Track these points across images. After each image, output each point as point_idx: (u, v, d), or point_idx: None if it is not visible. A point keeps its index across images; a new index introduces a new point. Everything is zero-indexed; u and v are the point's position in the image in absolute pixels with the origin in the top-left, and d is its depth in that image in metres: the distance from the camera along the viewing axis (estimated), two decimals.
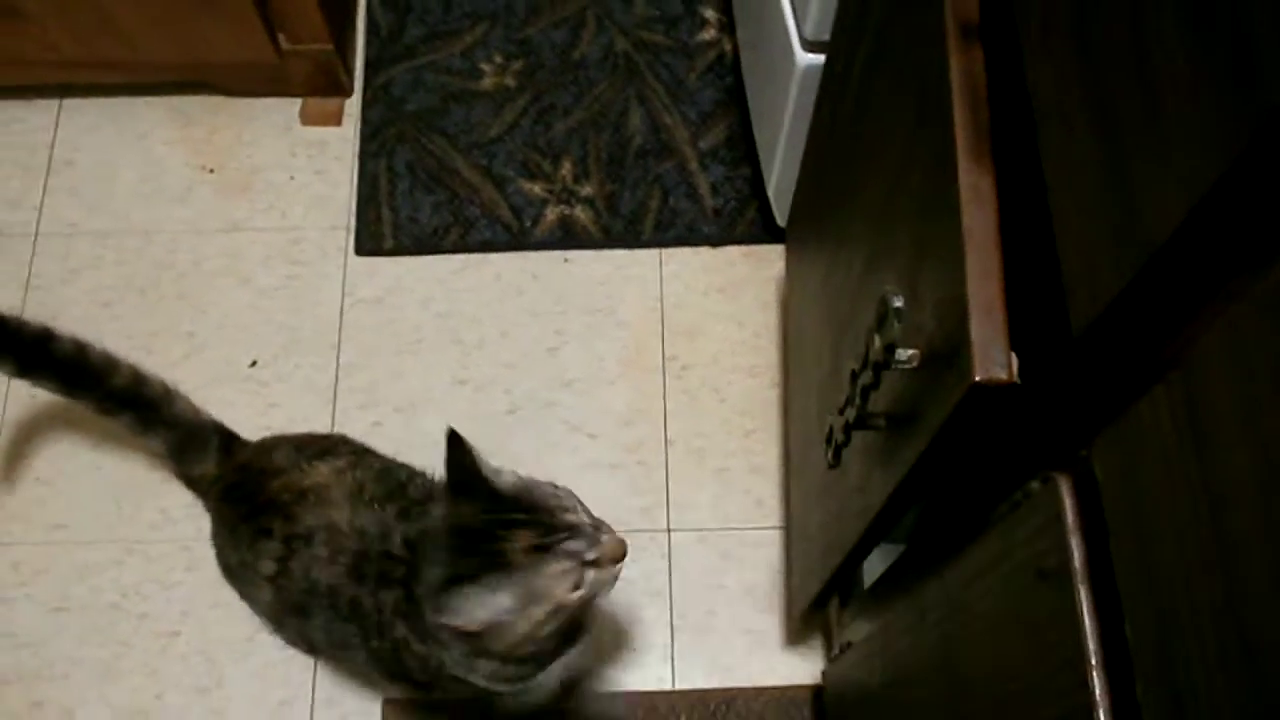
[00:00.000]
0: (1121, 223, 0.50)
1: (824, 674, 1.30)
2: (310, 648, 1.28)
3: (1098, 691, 0.53)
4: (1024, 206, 0.62)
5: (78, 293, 1.65)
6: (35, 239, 1.68)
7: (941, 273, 0.64)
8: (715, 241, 1.67)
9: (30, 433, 1.57)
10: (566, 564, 0.92)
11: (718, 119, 1.75)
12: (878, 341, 0.69)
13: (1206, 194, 0.42)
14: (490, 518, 0.94)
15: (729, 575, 1.49)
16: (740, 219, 1.68)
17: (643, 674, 1.45)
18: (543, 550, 0.91)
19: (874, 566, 1.16)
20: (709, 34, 1.81)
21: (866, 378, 0.72)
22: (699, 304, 1.64)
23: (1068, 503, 0.57)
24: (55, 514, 1.52)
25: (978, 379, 0.59)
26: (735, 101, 1.75)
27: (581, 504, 0.99)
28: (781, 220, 1.57)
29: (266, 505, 1.16)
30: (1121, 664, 0.52)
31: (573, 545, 0.92)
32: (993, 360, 0.59)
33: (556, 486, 0.99)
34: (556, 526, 0.93)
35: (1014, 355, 0.59)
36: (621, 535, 0.97)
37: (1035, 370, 0.60)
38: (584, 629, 1.10)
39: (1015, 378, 0.59)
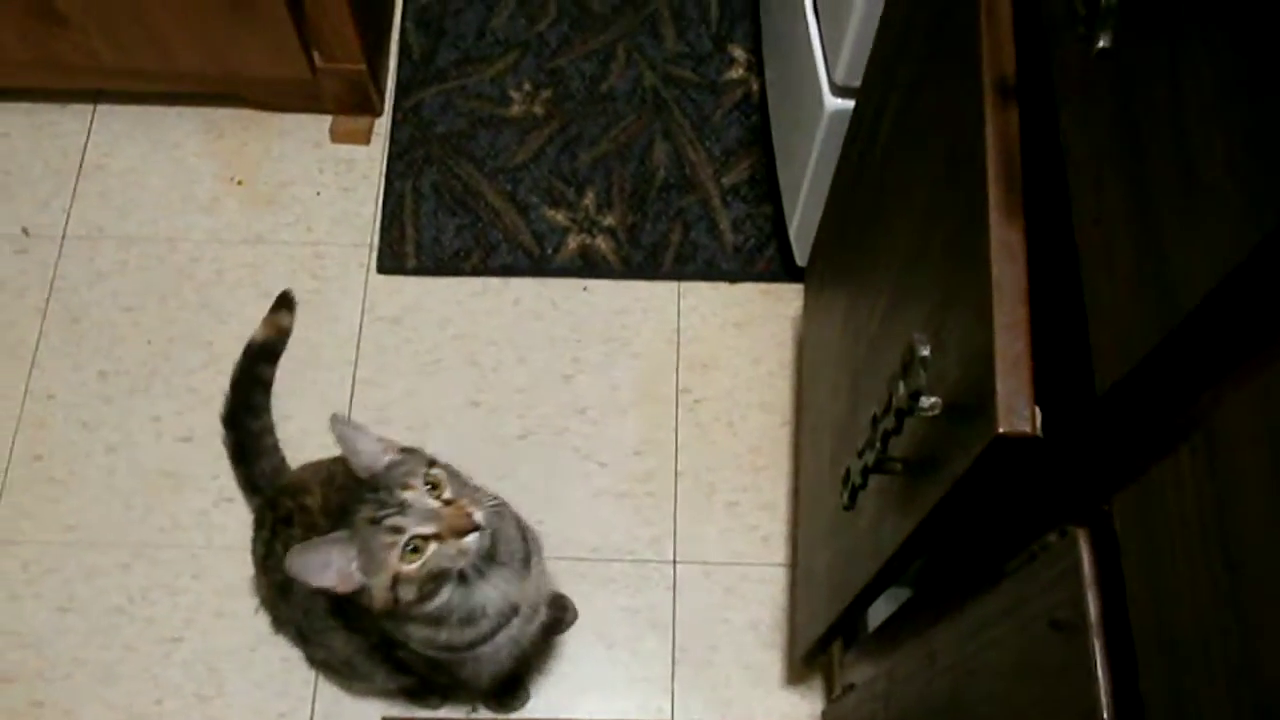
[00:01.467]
0: (1151, 287, 0.51)
1: (824, 715, 1.30)
2: (299, 634, 1.34)
3: None
4: (1052, 260, 0.63)
5: (101, 295, 1.67)
6: (63, 240, 1.70)
7: (969, 324, 0.65)
8: (734, 278, 1.69)
9: (46, 433, 1.58)
10: (392, 536, 0.99)
11: (741, 157, 1.77)
12: (902, 388, 0.70)
13: (1236, 267, 0.43)
14: (344, 495, 1.07)
15: (733, 610, 1.50)
16: (759, 257, 1.70)
17: (642, 704, 1.45)
18: (375, 523, 0.99)
19: (879, 609, 1.17)
20: (737, 72, 1.83)
21: (889, 423, 0.73)
22: (715, 338, 1.65)
23: (1085, 556, 0.58)
24: (67, 515, 1.54)
25: (1001, 431, 0.60)
26: (760, 140, 1.77)
27: (451, 481, 1.04)
28: (801, 260, 1.59)
29: (269, 502, 1.31)
30: (1133, 717, 0.52)
31: (397, 520, 0.99)
32: (1017, 414, 0.60)
33: (432, 465, 1.04)
34: (388, 503, 1.00)
35: (1038, 409, 0.60)
36: (471, 510, 1.01)
37: (1057, 424, 0.61)
38: (518, 606, 1.16)
39: (1038, 432, 0.60)
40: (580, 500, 1.56)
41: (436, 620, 1.09)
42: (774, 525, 1.54)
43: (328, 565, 1.01)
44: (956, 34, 0.76)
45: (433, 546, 1.00)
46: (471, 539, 1.01)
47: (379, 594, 1.02)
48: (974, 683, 0.72)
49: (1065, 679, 0.58)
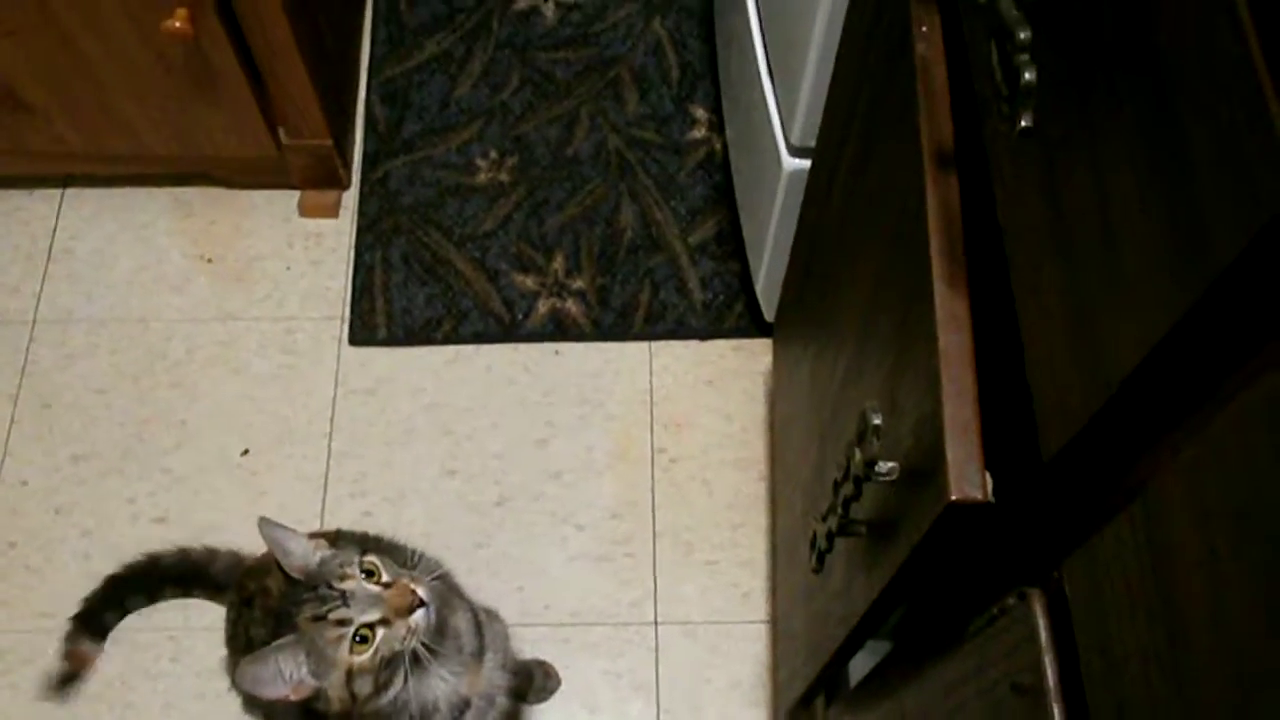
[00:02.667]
0: (1087, 357, 0.52)
1: None
2: (266, 715, 1.31)
3: None
4: (1000, 325, 0.65)
5: (72, 379, 1.67)
6: (33, 325, 1.70)
7: (918, 391, 0.67)
8: (704, 335, 1.70)
9: (20, 519, 1.58)
10: (339, 630, 0.98)
11: (707, 215, 1.79)
12: (858, 455, 0.71)
13: (1161, 340, 0.45)
14: (282, 600, 1.04)
15: (716, 669, 1.49)
16: (729, 313, 1.72)
17: None
18: (320, 619, 0.98)
19: (861, 662, 1.17)
20: (699, 132, 1.86)
21: (848, 489, 0.74)
22: (688, 397, 1.67)
23: (1041, 621, 0.59)
24: (42, 602, 1.53)
25: (953, 498, 0.61)
26: (724, 198, 1.79)
27: (385, 565, 1.03)
28: (769, 315, 1.61)
29: (236, 584, 1.29)
30: None
31: (342, 612, 0.98)
32: (967, 480, 0.61)
33: (365, 553, 1.03)
34: (329, 597, 0.99)
35: (988, 475, 0.61)
36: (413, 587, 1.01)
37: (1009, 489, 0.62)
38: (469, 700, 1.14)
39: (989, 497, 0.61)
40: (559, 564, 1.56)
41: (388, 717, 1.08)
42: (754, 581, 1.55)
43: (278, 674, 0.98)
44: (896, 107, 0.78)
45: (381, 632, 0.99)
46: (419, 615, 1.01)
47: (334, 693, 1.00)
48: None
49: None
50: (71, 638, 1.44)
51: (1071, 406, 0.54)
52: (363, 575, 1.01)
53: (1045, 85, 0.54)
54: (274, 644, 1.00)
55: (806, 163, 1.31)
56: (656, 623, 1.52)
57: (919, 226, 0.68)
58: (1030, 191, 0.58)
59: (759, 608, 1.53)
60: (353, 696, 1.01)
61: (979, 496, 0.61)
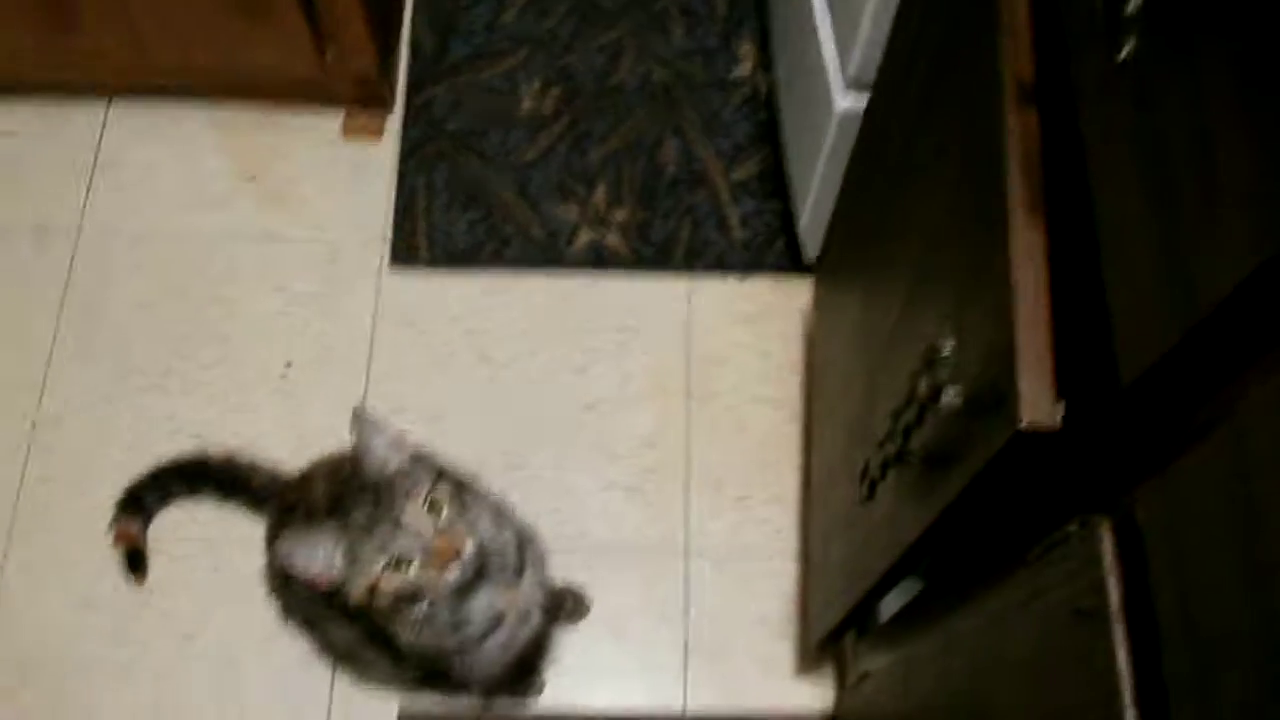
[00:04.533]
0: (1173, 286, 0.53)
1: (838, 702, 1.32)
2: (304, 622, 1.35)
3: None
4: (1075, 252, 0.65)
5: (115, 293, 1.68)
6: (78, 237, 1.71)
7: (990, 320, 0.67)
8: (743, 272, 1.71)
9: (61, 431, 1.60)
10: (379, 548, 1.00)
11: (750, 153, 1.78)
12: (923, 383, 0.72)
13: (1256, 268, 0.45)
14: (345, 489, 1.05)
15: (744, 602, 1.52)
16: (768, 252, 1.72)
17: (655, 696, 1.47)
18: (367, 530, 1.00)
19: (889, 601, 1.19)
20: (745, 69, 1.84)
21: (909, 416, 0.75)
22: (725, 333, 1.67)
23: (1107, 546, 0.60)
24: (85, 510, 1.54)
25: (1023, 426, 0.61)
26: (767, 137, 1.78)
27: (451, 502, 1.04)
28: (811, 256, 1.61)
29: (279, 493, 1.34)
30: (1156, 703, 0.54)
31: (388, 535, 1.00)
32: (1039, 408, 0.61)
33: (438, 481, 1.04)
34: (385, 515, 1.00)
35: (1060, 403, 0.62)
36: (459, 545, 1.02)
37: (1080, 416, 0.62)
38: (503, 615, 1.16)
39: (1059, 425, 0.62)
40: (592, 492, 1.57)
41: (416, 624, 1.11)
42: (784, 519, 1.56)
43: (314, 556, 1.01)
44: (974, 38, 0.77)
45: (413, 569, 1.01)
46: (452, 573, 1.03)
47: (355, 594, 1.03)
48: (994, 670, 0.74)
49: (1087, 665, 0.60)
50: (117, 518, 1.50)
51: (1154, 334, 0.54)
52: (425, 505, 1.02)
53: (1147, 16, 0.54)
54: (321, 526, 1.02)
55: (861, 98, 1.30)
56: (686, 553, 1.54)
57: (997, 157, 0.68)
58: (1122, 121, 0.58)
59: (789, 545, 1.55)
60: (371, 605, 1.04)
61: (1049, 424, 0.62)
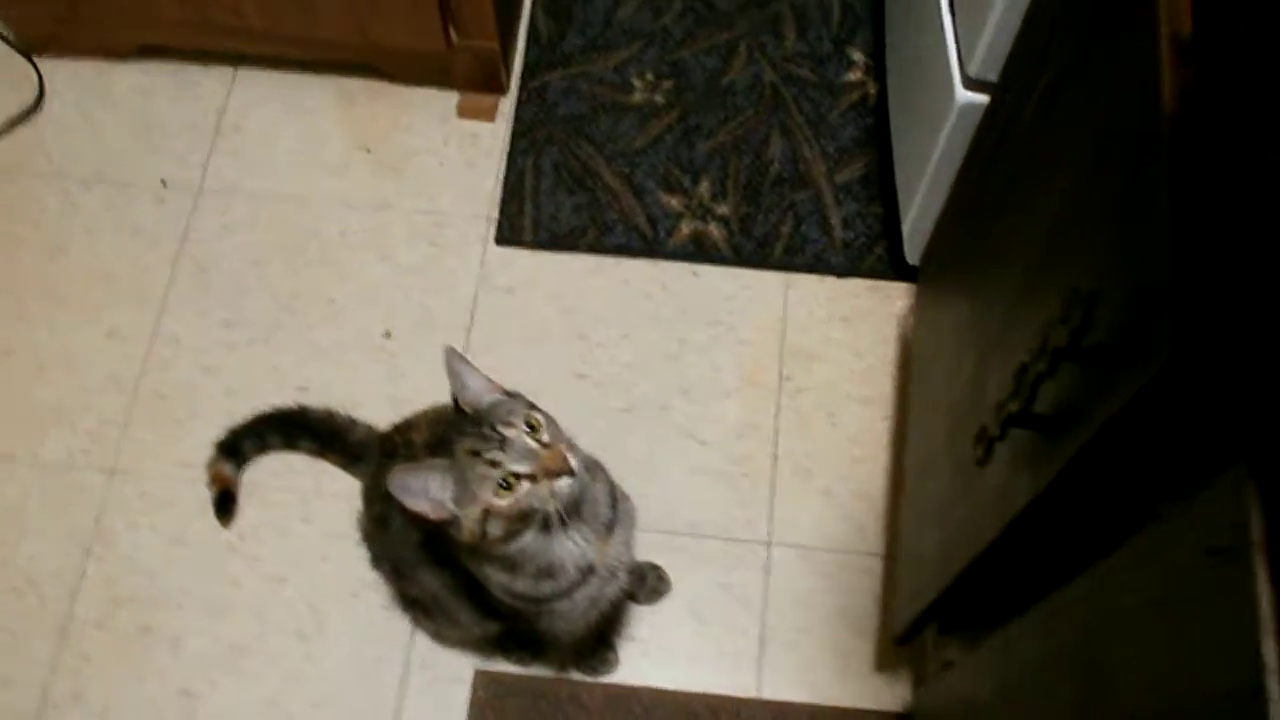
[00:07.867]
0: None
1: (917, 696, 1.31)
2: (393, 570, 1.37)
3: (1272, 661, 0.55)
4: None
5: (230, 248, 1.74)
6: (198, 194, 1.77)
7: (1139, 269, 0.67)
8: (842, 272, 1.71)
9: (170, 374, 1.65)
10: (489, 470, 1.02)
11: (855, 156, 1.79)
12: (1061, 330, 0.72)
13: None
14: (447, 428, 1.09)
15: (824, 594, 1.51)
16: (868, 254, 1.72)
17: (729, 679, 1.47)
18: (475, 455, 1.02)
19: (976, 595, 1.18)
20: (855, 75, 1.86)
21: (1040, 366, 0.75)
22: (819, 330, 1.68)
23: (1248, 485, 0.59)
24: (184, 452, 1.59)
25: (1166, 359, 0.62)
26: (873, 142, 1.80)
27: (549, 426, 1.07)
28: (913, 258, 1.61)
29: (380, 439, 1.36)
30: None
31: (496, 454, 1.02)
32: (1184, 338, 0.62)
33: (533, 408, 1.08)
34: (489, 438, 1.03)
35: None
36: (567, 455, 1.05)
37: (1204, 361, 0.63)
38: (594, 567, 1.18)
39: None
40: (679, 476, 1.58)
41: (513, 565, 1.13)
42: (870, 516, 1.56)
43: (425, 490, 1.04)
44: (1125, 5, 0.78)
45: (525, 485, 1.03)
46: (564, 483, 1.05)
47: (467, 525, 1.05)
48: (1108, 623, 0.73)
49: (1220, 605, 0.60)
50: (214, 461, 1.55)
51: None
52: (526, 428, 1.05)
53: None
54: (429, 461, 1.05)
55: (980, 96, 1.31)
56: (770, 543, 1.54)
57: (1154, 107, 0.69)
58: None
59: (874, 541, 1.54)
60: (484, 534, 1.05)
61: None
